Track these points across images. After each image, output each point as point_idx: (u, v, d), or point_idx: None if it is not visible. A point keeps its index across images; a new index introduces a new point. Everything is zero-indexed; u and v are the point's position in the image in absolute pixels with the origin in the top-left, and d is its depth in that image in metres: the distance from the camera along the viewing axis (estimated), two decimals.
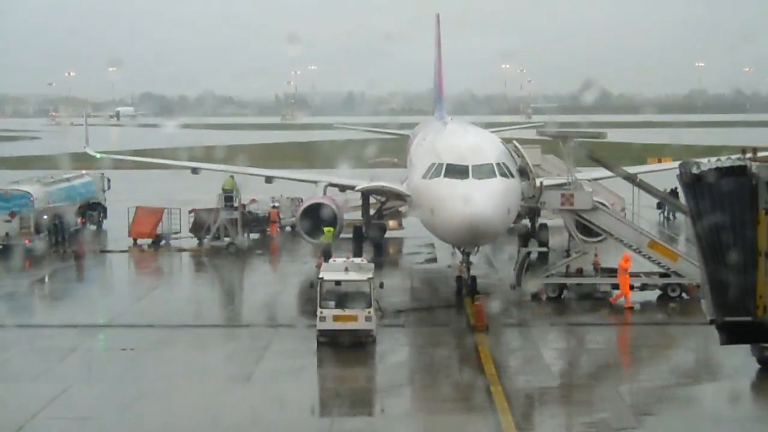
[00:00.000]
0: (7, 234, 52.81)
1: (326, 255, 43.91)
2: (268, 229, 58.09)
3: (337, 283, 34.12)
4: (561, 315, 39.01)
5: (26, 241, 52.79)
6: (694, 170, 26.63)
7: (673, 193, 50.96)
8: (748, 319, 26.82)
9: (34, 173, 66.29)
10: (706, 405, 28.82)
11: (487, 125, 63.82)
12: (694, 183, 26.72)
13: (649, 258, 40.72)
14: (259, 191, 60.53)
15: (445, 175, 37.59)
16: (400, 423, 27.21)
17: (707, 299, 27.67)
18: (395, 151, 69.78)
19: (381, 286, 35.65)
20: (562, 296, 40.93)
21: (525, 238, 47.13)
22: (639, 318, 38.98)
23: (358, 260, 36.49)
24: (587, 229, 41.42)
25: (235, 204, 54.31)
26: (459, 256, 41.51)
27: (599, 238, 42.90)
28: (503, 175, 37.67)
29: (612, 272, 41.36)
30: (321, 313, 33.46)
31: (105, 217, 63.38)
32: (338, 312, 33.37)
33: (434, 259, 51.29)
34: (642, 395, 29.20)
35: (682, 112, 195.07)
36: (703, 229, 26.76)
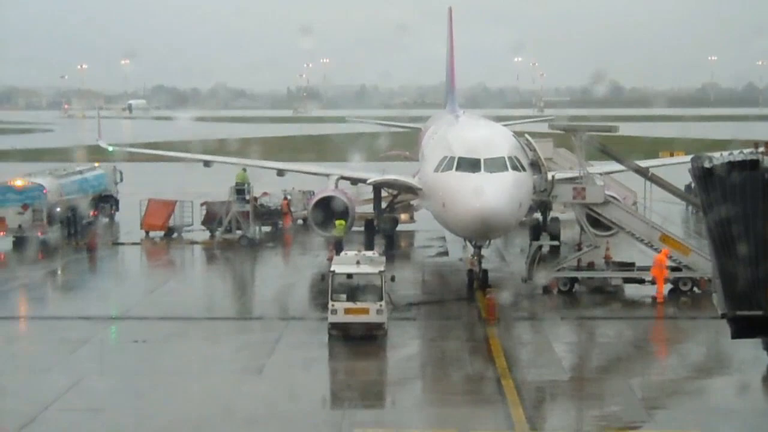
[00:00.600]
0: (20, 226, 53.05)
1: (338, 248, 44.03)
2: (280, 221, 58.13)
3: (349, 276, 34.09)
4: (572, 308, 39.03)
5: (39, 234, 53.07)
6: (706, 164, 26.63)
7: (690, 188, 50.76)
8: (760, 312, 26.82)
9: (47, 165, 66.62)
10: (717, 399, 28.73)
11: (499, 119, 63.83)
12: (706, 177, 26.71)
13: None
14: (271, 184, 60.67)
15: (457, 169, 37.54)
16: (411, 415, 27.24)
17: (719, 293, 27.65)
18: (407, 144, 69.72)
19: (392, 279, 35.65)
20: (574, 290, 40.92)
21: (536, 232, 47.07)
22: (650, 312, 38.98)
23: (369, 253, 36.49)
24: (598, 223, 41.39)
25: (247, 197, 54.44)
26: (470, 249, 41.60)
27: (611, 232, 42.85)
28: (515, 168, 37.62)
29: (623, 266, 41.39)
30: (332, 305, 33.53)
31: (117, 209, 63.64)
32: (350, 305, 33.40)
33: (446, 253, 51.28)
34: (653, 389, 29.16)
35: (694, 106, 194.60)
36: (715, 223, 26.75)
